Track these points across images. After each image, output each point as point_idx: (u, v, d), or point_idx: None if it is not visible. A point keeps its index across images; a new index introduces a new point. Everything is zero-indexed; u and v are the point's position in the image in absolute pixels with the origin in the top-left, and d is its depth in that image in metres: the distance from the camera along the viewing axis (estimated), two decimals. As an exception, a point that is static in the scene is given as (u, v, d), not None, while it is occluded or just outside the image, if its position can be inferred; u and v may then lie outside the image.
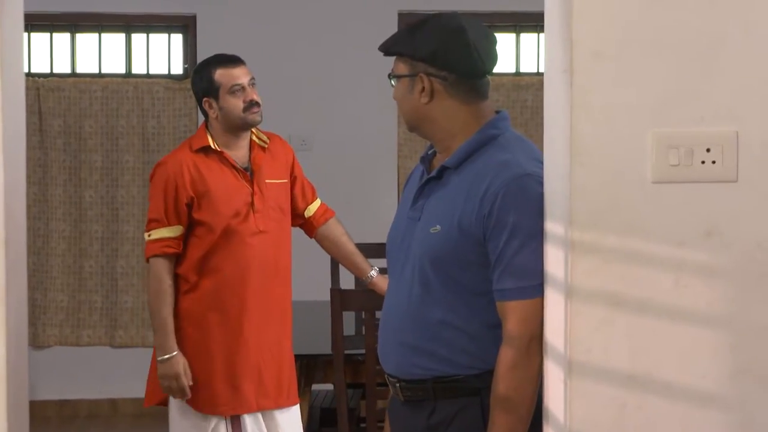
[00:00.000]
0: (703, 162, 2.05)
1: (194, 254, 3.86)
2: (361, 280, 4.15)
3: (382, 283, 3.97)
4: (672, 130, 2.04)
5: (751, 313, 2.05)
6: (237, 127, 3.91)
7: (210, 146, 3.90)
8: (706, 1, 2.05)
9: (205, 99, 3.93)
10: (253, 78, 3.94)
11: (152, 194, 3.91)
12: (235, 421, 3.90)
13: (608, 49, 2.04)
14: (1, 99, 2.12)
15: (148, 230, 3.88)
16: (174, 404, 3.92)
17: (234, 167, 3.91)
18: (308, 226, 4.16)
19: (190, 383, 3.84)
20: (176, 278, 3.89)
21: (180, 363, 3.82)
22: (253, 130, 4.00)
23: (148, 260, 3.89)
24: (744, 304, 2.05)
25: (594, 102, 2.04)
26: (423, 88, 2.46)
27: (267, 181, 3.96)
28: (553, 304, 2.18)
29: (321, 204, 4.17)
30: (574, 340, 2.06)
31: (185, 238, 3.88)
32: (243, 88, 3.89)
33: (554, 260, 2.17)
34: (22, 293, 2.30)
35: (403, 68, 2.49)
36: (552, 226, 2.20)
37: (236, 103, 3.88)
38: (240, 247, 3.85)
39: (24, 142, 2.36)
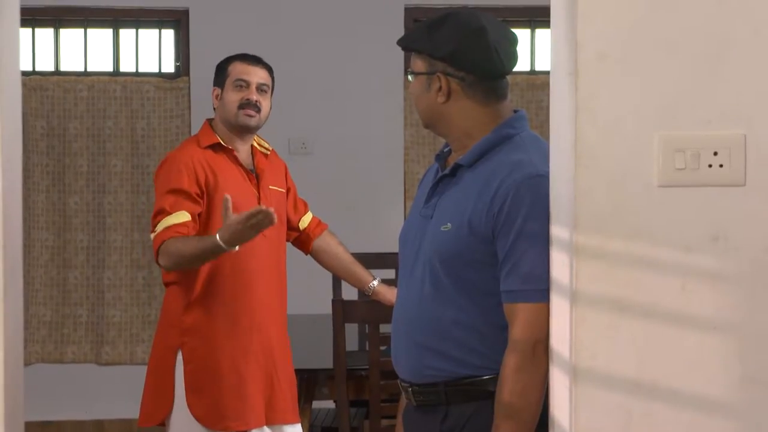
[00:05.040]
0: (710, 166, 2.19)
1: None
2: (362, 292, 4.26)
3: (385, 292, 4.10)
4: (678, 133, 2.18)
5: (759, 320, 2.20)
6: (231, 124, 4.04)
7: (220, 143, 4.03)
8: (714, 2, 2.18)
9: (214, 87, 4.11)
10: (266, 84, 4.07)
11: (158, 189, 3.96)
12: None
13: (614, 51, 2.18)
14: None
15: (154, 226, 3.90)
16: (176, 421, 3.97)
17: (242, 167, 4.05)
18: (303, 239, 4.28)
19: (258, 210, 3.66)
20: (179, 291, 3.97)
21: (225, 222, 3.69)
22: (255, 136, 4.14)
23: (158, 256, 3.84)
24: (752, 310, 2.19)
25: (599, 104, 2.18)
26: (440, 87, 2.62)
27: (270, 187, 4.10)
28: (558, 309, 2.33)
29: (313, 217, 4.31)
30: (579, 346, 2.20)
31: None
32: (247, 85, 4.04)
33: (559, 265, 2.32)
34: (19, 300, 2.39)
35: (421, 65, 2.65)
36: (556, 230, 2.34)
37: (234, 98, 4.02)
38: (247, 254, 3.91)
39: (20, 144, 2.46)
